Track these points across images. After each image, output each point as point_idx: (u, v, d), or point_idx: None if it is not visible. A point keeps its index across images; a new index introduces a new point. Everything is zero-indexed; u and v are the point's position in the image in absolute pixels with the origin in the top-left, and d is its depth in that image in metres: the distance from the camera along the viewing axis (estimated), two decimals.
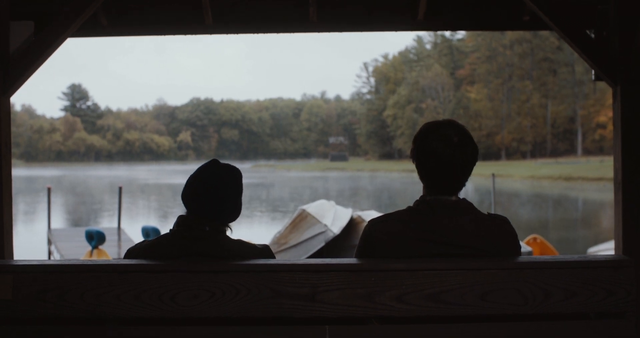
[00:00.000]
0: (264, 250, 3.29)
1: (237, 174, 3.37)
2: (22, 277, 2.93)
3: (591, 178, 69.10)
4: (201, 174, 3.32)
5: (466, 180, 3.20)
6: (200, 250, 3.15)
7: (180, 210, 3.36)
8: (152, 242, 3.25)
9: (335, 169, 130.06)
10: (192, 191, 3.29)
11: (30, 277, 2.93)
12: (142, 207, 45.41)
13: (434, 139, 3.14)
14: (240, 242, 3.27)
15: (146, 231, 18.58)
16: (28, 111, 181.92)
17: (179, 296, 2.89)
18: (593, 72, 5.59)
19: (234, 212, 3.34)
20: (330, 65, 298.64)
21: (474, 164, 3.19)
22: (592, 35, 5.56)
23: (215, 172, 3.31)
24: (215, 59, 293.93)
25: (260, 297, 2.89)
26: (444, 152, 3.10)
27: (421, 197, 3.21)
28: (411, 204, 3.23)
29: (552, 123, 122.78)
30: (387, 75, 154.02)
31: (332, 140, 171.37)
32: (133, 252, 3.28)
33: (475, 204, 3.21)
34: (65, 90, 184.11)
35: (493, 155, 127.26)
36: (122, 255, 17.82)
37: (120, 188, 29.07)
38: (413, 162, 3.26)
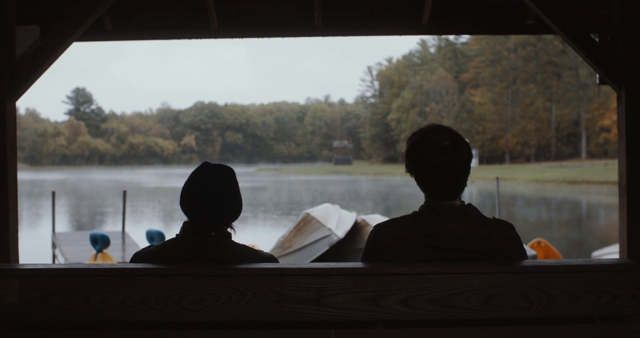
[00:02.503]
0: (268, 259, 3.29)
1: (230, 174, 3.35)
2: (27, 281, 2.93)
3: (595, 182, 68.95)
4: (195, 180, 3.30)
5: (466, 180, 3.20)
6: (206, 255, 3.16)
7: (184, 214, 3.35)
8: (159, 247, 3.25)
9: (339, 172, 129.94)
10: (190, 200, 3.28)
11: (36, 281, 2.93)
12: (146, 211, 45.36)
13: (426, 147, 3.14)
14: (245, 248, 3.27)
15: (150, 235, 18.55)
16: (32, 115, 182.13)
17: (184, 300, 2.90)
18: (597, 75, 5.60)
19: (236, 211, 3.34)
20: (334, 69, 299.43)
21: (471, 162, 3.20)
22: (597, 39, 5.57)
23: (209, 177, 3.29)
24: (218, 64, 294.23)
25: (265, 301, 2.89)
26: (440, 158, 3.11)
27: (425, 202, 3.21)
28: (416, 208, 3.23)
29: (556, 126, 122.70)
30: (391, 79, 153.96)
31: (336, 143, 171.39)
32: (139, 256, 3.28)
33: (480, 208, 3.21)
34: (70, 94, 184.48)
35: (497, 158, 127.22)
36: (127, 258, 17.81)
37: (124, 192, 29.01)
38: (411, 175, 3.26)
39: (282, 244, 17.45)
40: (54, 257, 21.85)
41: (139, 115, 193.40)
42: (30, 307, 2.92)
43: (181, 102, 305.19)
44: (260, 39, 6.62)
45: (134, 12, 6.49)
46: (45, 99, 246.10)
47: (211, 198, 3.24)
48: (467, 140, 3.22)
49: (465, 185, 3.20)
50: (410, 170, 3.24)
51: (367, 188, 74.76)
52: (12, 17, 5.12)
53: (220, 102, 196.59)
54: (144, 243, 19.74)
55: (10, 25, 5.10)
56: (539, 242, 17.02)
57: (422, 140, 3.18)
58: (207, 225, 3.24)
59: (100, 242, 16.82)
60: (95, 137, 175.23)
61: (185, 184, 3.33)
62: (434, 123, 3.27)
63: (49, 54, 5.18)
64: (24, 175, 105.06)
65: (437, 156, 3.11)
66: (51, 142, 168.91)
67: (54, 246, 22.70)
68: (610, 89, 5.55)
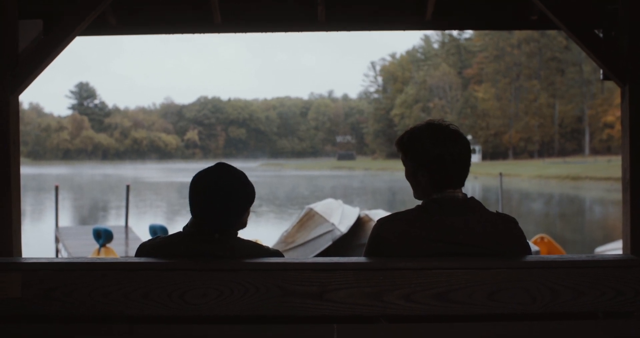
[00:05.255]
0: (274, 254, 3.27)
1: (240, 180, 3.25)
2: (30, 275, 2.93)
3: (599, 178, 68.91)
4: (201, 182, 3.21)
5: (467, 171, 3.21)
6: (210, 252, 3.14)
7: (188, 209, 3.31)
8: (164, 240, 3.22)
9: (342, 167, 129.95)
10: (194, 201, 3.21)
11: (39, 275, 2.93)
12: (149, 206, 45.44)
13: (425, 138, 3.15)
14: (251, 243, 3.24)
15: (154, 229, 18.59)
16: (36, 109, 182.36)
17: (187, 294, 2.90)
18: (601, 71, 5.58)
19: (241, 216, 3.29)
20: (337, 65, 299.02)
21: (470, 153, 3.23)
22: (601, 35, 5.56)
23: (219, 182, 3.19)
24: (222, 60, 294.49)
25: (268, 296, 2.89)
26: (450, 148, 3.12)
27: (427, 196, 3.21)
28: (419, 203, 3.23)
29: (559, 122, 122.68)
30: (394, 75, 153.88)
31: (339, 139, 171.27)
32: (146, 247, 3.25)
33: (483, 203, 3.21)
34: (73, 89, 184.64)
35: (501, 154, 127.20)
36: (130, 253, 17.84)
37: (127, 187, 29.09)
38: (417, 171, 3.24)
39: (285, 239, 17.47)
40: (57, 251, 21.91)
41: (142, 110, 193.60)
42: (33, 301, 2.92)
43: (184, 97, 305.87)
44: (261, 36, 6.64)
45: (137, 7, 6.48)
46: (48, 93, 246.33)
47: (215, 204, 3.17)
48: (470, 136, 3.23)
49: (466, 176, 3.20)
50: (418, 162, 3.21)
51: (370, 184, 74.79)
52: (15, 11, 5.11)
53: (224, 97, 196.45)
54: (147, 237, 19.70)
55: (13, 19, 5.09)
56: (542, 238, 17.05)
57: (421, 132, 3.19)
58: (213, 228, 3.20)
59: (103, 237, 16.86)
60: (99, 132, 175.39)
61: (192, 184, 3.24)
62: (426, 120, 3.29)
63: (52, 48, 5.17)
64: (27, 170, 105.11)
65: (445, 144, 3.12)
66: (54, 137, 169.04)
67: (57, 240, 22.76)
68: (614, 85, 5.56)
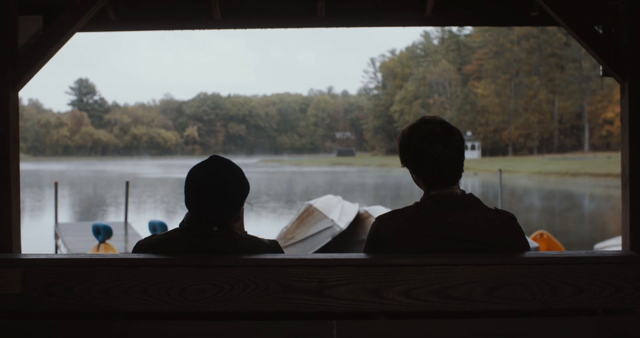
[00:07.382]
0: (271, 246, 3.27)
1: (234, 173, 3.22)
2: (30, 271, 2.93)
3: (598, 174, 68.95)
4: (198, 176, 3.19)
5: (462, 165, 3.20)
6: (209, 247, 3.13)
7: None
8: (162, 237, 3.21)
9: (342, 164, 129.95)
10: (191, 197, 3.18)
11: (39, 271, 2.93)
12: (149, 202, 45.39)
13: (419, 138, 3.15)
14: (249, 238, 3.24)
15: (153, 226, 18.56)
16: (35, 105, 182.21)
17: (187, 291, 2.90)
18: (601, 67, 5.57)
19: (237, 210, 3.27)
20: (337, 61, 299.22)
21: (464, 147, 3.24)
22: (600, 31, 5.55)
23: (215, 175, 3.17)
24: (221, 56, 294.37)
25: (268, 292, 2.89)
26: (433, 146, 3.13)
27: (426, 192, 3.21)
28: (417, 199, 3.23)
29: (559, 119, 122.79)
30: (394, 71, 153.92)
31: (339, 135, 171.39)
32: (143, 245, 3.24)
33: (482, 199, 3.21)
34: (73, 85, 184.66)
35: (500, 150, 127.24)
36: (129, 249, 17.84)
37: (127, 183, 29.04)
38: (408, 168, 3.26)
39: (285, 235, 17.46)
40: (56, 247, 21.90)
41: (141, 106, 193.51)
42: (33, 297, 2.92)
43: (184, 93, 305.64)
44: (260, 32, 6.62)
45: (137, 3, 6.47)
46: (48, 89, 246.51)
47: (213, 198, 3.15)
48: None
49: (462, 171, 3.20)
50: (407, 163, 3.24)
51: (370, 180, 74.76)
52: (15, 6, 5.10)
53: (223, 93, 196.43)
54: (146, 234, 19.77)
55: (13, 15, 5.09)
56: (541, 234, 17.03)
57: (413, 132, 3.19)
58: (211, 222, 3.19)
59: (102, 233, 16.84)
60: (98, 128, 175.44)
61: (188, 178, 3.22)
62: (422, 117, 3.29)
63: (52, 44, 5.16)
64: (27, 166, 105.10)
65: (430, 144, 3.12)
66: (54, 133, 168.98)
67: (56, 237, 22.74)
68: (613, 81, 5.54)
